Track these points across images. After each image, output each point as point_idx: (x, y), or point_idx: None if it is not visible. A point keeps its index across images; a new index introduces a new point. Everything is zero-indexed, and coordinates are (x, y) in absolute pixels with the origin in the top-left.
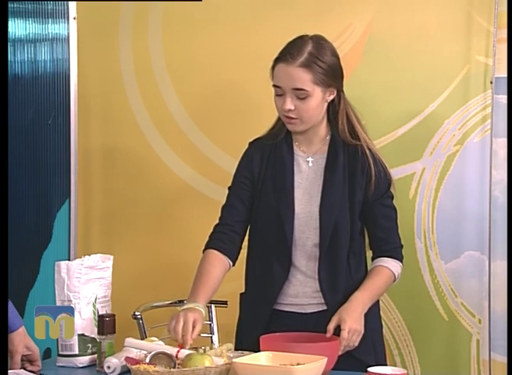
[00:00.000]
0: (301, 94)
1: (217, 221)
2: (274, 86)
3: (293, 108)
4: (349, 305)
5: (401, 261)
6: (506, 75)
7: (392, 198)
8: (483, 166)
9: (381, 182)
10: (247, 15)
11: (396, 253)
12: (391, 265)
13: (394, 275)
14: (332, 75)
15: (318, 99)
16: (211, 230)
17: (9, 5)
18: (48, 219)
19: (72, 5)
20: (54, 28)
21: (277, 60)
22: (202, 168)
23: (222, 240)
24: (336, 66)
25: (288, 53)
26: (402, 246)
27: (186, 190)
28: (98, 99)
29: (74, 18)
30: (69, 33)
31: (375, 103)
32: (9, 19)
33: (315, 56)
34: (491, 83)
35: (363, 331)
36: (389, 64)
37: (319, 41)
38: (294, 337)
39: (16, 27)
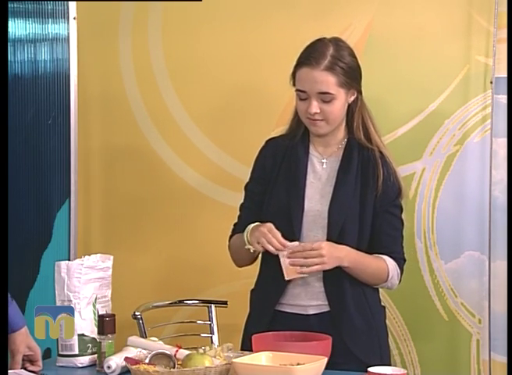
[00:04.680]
0: (327, 98)
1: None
2: (297, 90)
3: (318, 111)
4: (334, 244)
5: (400, 270)
6: (506, 75)
7: (401, 210)
8: (483, 166)
9: (389, 188)
10: (247, 15)
11: (397, 260)
12: (388, 261)
13: (387, 270)
14: (354, 76)
15: (342, 101)
16: (232, 228)
17: (9, 5)
18: (48, 219)
19: (72, 5)
20: (54, 28)
21: (299, 65)
22: (202, 168)
23: None
24: (356, 67)
25: (311, 57)
26: (405, 260)
27: (186, 189)
28: (98, 99)
29: (74, 18)
30: (69, 33)
31: (375, 103)
32: (9, 19)
33: (338, 59)
34: (491, 83)
35: (326, 267)
36: (389, 64)
37: (338, 43)
38: (286, 336)
39: (16, 27)
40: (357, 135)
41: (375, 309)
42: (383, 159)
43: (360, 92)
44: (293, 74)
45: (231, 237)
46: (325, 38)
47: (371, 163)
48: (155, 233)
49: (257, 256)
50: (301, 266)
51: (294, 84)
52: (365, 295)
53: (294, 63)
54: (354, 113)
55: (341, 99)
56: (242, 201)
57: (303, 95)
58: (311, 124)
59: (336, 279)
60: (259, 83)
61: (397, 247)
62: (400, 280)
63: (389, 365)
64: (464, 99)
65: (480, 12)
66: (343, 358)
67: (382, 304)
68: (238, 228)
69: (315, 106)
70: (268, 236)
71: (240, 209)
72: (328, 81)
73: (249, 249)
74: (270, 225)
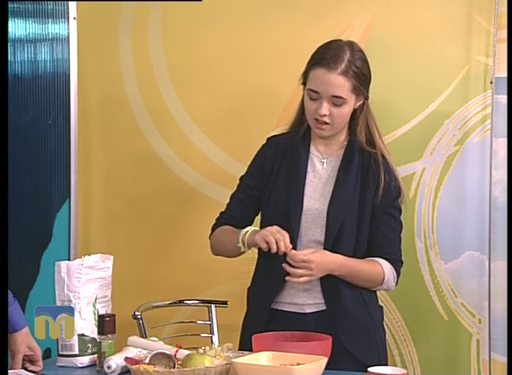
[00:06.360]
0: (338, 102)
1: (223, 208)
2: (310, 90)
3: (328, 113)
4: (327, 254)
5: (397, 273)
6: (506, 75)
7: (400, 212)
8: (483, 166)
9: (389, 191)
10: (247, 15)
11: (394, 262)
12: (384, 264)
13: (383, 274)
14: (365, 83)
15: (351, 106)
16: (218, 216)
17: (9, 5)
18: (48, 219)
19: (72, 5)
20: (54, 28)
21: (315, 65)
22: (202, 168)
23: (232, 225)
24: (368, 74)
25: (327, 58)
26: (402, 262)
27: (186, 190)
28: (98, 99)
29: (74, 18)
30: (69, 33)
31: (375, 103)
32: (9, 19)
33: (353, 64)
34: (491, 83)
35: (314, 278)
36: (389, 64)
37: (354, 48)
38: (286, 336)
39: (16, 27)
40: (360, 138)
41: (372, 308)
42: (386, 164)
43: (366, 98)
44: (306, 73)
45: (215, 225)
46: (340, 40)
47: (372, 166)
48: (155, 233)
49: (241, 253)
50: (290, 273)
51: (304, 83)
52: (362, 294)
53: (307, 62)
54: (359, 117)
55: (350, 104)
56: (234, 191)
57: (314, 95)
58: (317, 127)
59: (332, 278)
60: (259, 84)
61: (394, 249)
62: (397, 283)
63: (386, 364)
64: (464, 99)
65: (480, 12)
66: (339, 356)
67: (380, 304)
68: (225, 217)
69: (326, 108)
70: (277, 235)
71: (231, 199)
72: (343, 86)
73: (240, 248)
74: (277, 227)
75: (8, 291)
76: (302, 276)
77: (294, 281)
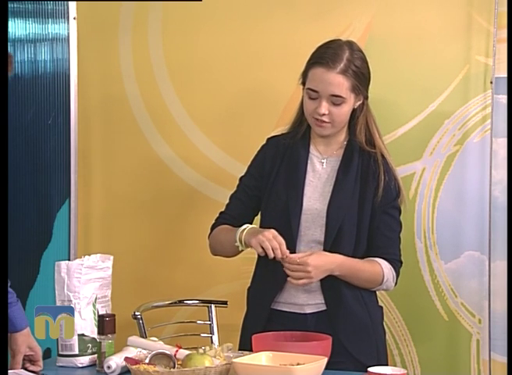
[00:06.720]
0: (337, 101)
1: (223, 208)
2: (309, 89)
3: (327, 112)
4: (325, 254)
5: (396, 273)
6: (506, 75)
7: (400, 212)
8: (483, 166)
9: (389, 191)
10: (247, 15)
11: (393, 262)
12: (383, 264)
13: (382, 274)
14: (364, 82)
15: (351, 105)
16: (217, 216)
17: (9, 5)
18: (48, 219)
19: (72, 5)
20: (54, 28)
21: (314, 64)
22: (202, 168)
23: (231, 224)
24: (367, 74)
25: (327, 57)
26: (401, 262)
27: (186, 190)
28: (98, 99)
29: (74, 18)
30: (69, 33)
31: (375, 103)
32: (9, 19)
33: (353, 63)
34: (491, 83)
35: (314, 280)
36: (389, 64)
37: (353, 48)
38: (286, 336)
39: (16, 27)
40: (359, 138)
41: (372, 309)
42: (386, 164)
43: (366, 98)
44: (305, 73)
45: (215, 224)
46: (340, 40)
47: (372, 166)
48: (155, 233)
49: (239, 252)
50: (289, 276)
51: (303, 83)
52: (362, 295)
53: (306, 61)
54: (359, 117)
55: (350, 103)
56: (233, 191)
57: (313, 95)
58: (317, 125)
59: (333, 278)
60: (259, 83)
61: (393, 248)
62: (396, 283)
63: (387, 364)
64: (464, 99)
65: (480, 12)
66: (339, 357)
67: (380, 304)
68: (224, 217)
69: (325, 107)
70: (274, 243)
71: (230, 199)
72: (342, 85)
73: (238, 247)
74: (274, 232)
75: (12, 291)
76: (301, 278)
77: (294, 283)
